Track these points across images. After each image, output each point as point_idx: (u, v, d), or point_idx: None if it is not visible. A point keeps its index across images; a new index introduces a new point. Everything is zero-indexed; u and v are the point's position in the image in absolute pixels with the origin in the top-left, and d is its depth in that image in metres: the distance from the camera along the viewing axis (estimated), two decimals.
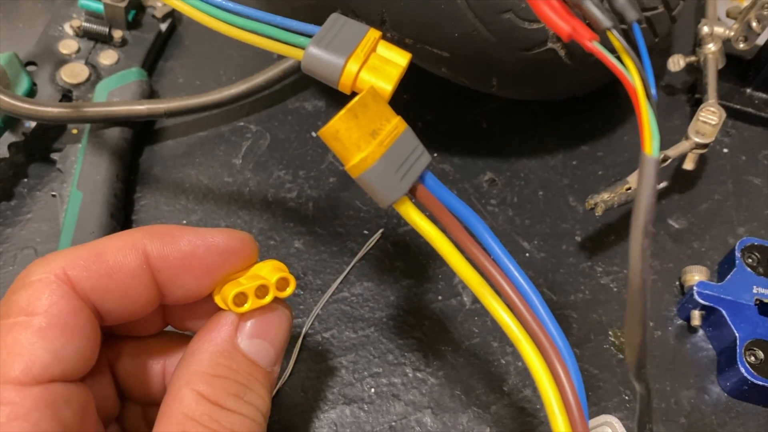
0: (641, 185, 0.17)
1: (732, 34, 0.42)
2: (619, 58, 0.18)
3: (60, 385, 0.22)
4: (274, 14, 0.24)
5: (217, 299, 0.25)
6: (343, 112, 0.21)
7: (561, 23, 0.17)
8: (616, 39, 0.17)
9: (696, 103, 0.44)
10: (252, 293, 0.24)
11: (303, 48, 0.24)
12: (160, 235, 0.24)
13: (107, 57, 0.42)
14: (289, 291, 0.25)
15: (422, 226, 0.22)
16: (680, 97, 0.44)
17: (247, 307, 0.24)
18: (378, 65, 0.23)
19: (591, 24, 0.18)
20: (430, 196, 0.23)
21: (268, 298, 0.25)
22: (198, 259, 0.24)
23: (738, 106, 0.43)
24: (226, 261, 0.25)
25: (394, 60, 0.24)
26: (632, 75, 0.17)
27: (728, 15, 0.43)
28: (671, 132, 0.43)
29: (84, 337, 0.23)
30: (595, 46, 0.17)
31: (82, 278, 0.23)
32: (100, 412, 0.25)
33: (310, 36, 0.24)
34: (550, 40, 0.33)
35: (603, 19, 0.17)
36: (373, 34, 0.24)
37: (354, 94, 0.23)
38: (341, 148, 0.21)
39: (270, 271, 0.25)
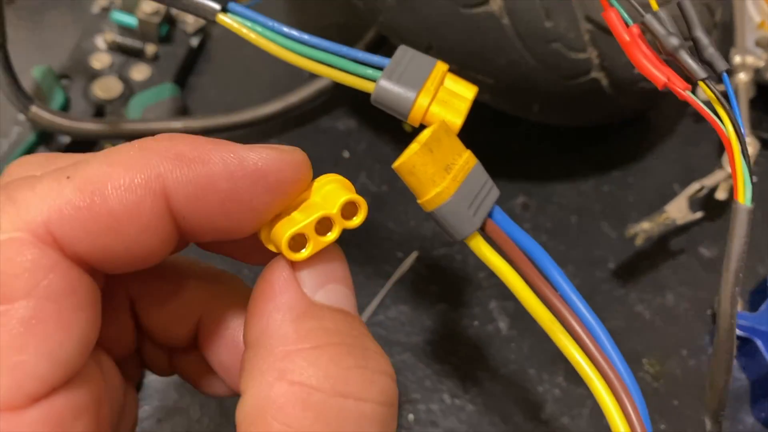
0: (734, 232, 0.17)
1: (762, 64, 0.42)
2: (711, 108, 0.18)
3: (64, 396, 0.16)
4: (340, 44, 0.24)
5: (265, 240, 0.19)
6: (418, 147, 0.21)
7: (657, 73, 0.17)
8: (710, 89, 0.17)
9: None
10: (312, 231, 0.18)
11: (371, 80, 0.24)
12: (186, 162, 0.17)
13: (139, 72, 0.41)
14: (359, 219, 0.19)
15: (494, 262, 0.22)
16: (707, 125, 0.44)
17: (306, 252, 0.18)
18: (447, 99, 0.23)
19: (684, 74, 0.18)
20: (500, 231, 0.22)
21: (334, 234, 0.18)
22: (239, 202, 0.17)
23: (766, 136, 0.44)
24: (277, 197, 0.18)
25: (462, 93, 0.24)
26: (725, 125, 0.17)
27: (757, 44, 0.44)
28: (699, 159, 0.43)
29: (87, 320, 0.16)
30: (690, 96, 0.17)
31: (75, 238, 0.16)
32: (111, 353, 0.20)
33: (375, 66, 0.24)
34: (594, 70, 0.33)
35: (698, 71, 0.17)
36: (442, 67, 0.24)
37: (422, 126, 0.23)
38: (416, 183, 0.21)
39: (328, 194, 0.19)
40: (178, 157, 0.17)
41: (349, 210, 0.18)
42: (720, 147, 0.44)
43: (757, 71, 0.42)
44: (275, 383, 0.15)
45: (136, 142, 0.17)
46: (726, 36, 0.47)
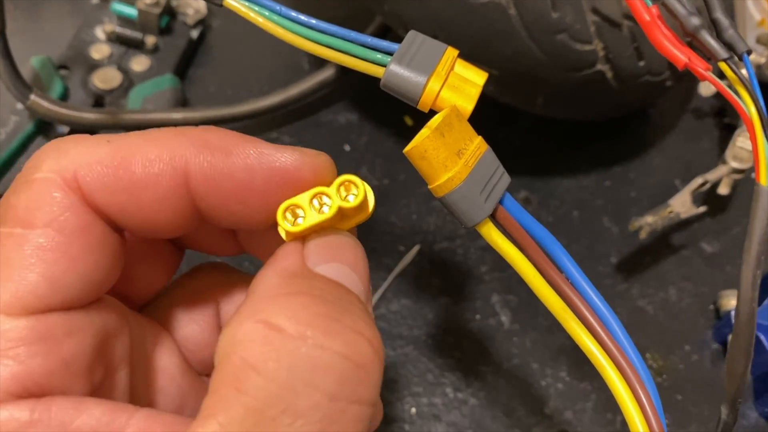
0: (755, 216, 0.17)
1: (764, 60, 0.42)
2: (732, 89, 0.17)
3: (59, 315, 0.18)
4: (348, 29, 0.24)
5: (280, 230, 0.20)
6: (429, 131, 0.21)
7: (678, 53, 0.17)
8: (731, 70, 0.17)
9: (725, 128, 0.44)
10: (308, 205, 0.19)
11: (380, 64, 0.23)
12: (210, 150, 0.19)
13: (139, 63, 0.41)
14: (357, 199, 0.19)
15: (505, 249, 0.22)
16: (709, 121, 0.45)
17: (303, 225, 0.19)
18: (458, 84, 0.23)
19: (705, 54, 0.18)
20: (510, 218, 0.22)
21: (332, 210, 0.19)
22: (255, 192, 0.19)
23: None
24: (292, 193, 0.19)
25: (472, 79, 0.24)
26: (748, 106, 0.17)
27: (758, 41, 0.44)
28: (700, 155, 0.43)
29: (94, 259, 0.18)
30: (711, 76, 0.17)
31: (95, 189, 0.18)
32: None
33: (384, 51, 0.24)
34: (599, 62, 0.33)
35: (720, 51, 0.17)
36: (452, 52, 0.24)
37: (432, 112, 0.23)
38: (428, 168, 0.21)
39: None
40: (205, 143, 0.19)
41: (348, 189, 0.20)
42: (721, 143, 0.44)
43: (758, 68, 0.42)
44: (245, 321, 0.16)
45: (176, 128, 0.19)
46: None
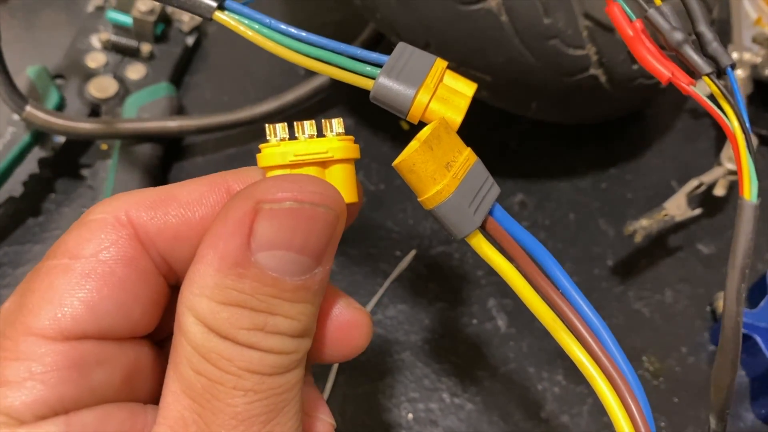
0: (739, 229, 0.17)
1: (759, 60, 0.42)
2: (715, 102, 0.18)
3: (93, 344, 0.19)
4: (337, 41, 0.24)
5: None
6: (418, 144, 0.21)
7: (661, 68, 0.17)
8: (714, 84, 0.17)
9: (721, 128, 0.44)
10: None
11: (370, 77, 0.23)
12: (244, 172, 0.21)
13: (135, 71, 0.41)
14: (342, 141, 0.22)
15: (495, 261, 0.22)
16: (705, 121, 0.45)
17: (276, 161, 0.21)
18: (447, 96, 0.23)
19: (689, 68, 0.18)
20: (500, 229, 0.22)
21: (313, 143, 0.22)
22: None
23: (764, 132, 0.44)
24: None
25: (461, 90, 0.24)
26: (731, 120, 0.17)
27: (754, 41, 0.44)
28: (696, 156, 0.43)
29: (134, 292, 0.19)
30: (694, 91, 0.17)
31: (146, 220, 0.20)
32: None
33: (373, 64, 0.24)
34: (592, 67, 0.33)
35: (702, 65, 0.17)
36: (441, 64, 0.24)
37: (421, 123, 0.23)
38: (417, 181, 0.21)
39: None
40: (240, 171, 0.22)
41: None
42: (718, 144, 0.44)
43: (754, 67, 0.42)
44: (187, 313, 0.18)
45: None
46: (723, 33, 0.47)
